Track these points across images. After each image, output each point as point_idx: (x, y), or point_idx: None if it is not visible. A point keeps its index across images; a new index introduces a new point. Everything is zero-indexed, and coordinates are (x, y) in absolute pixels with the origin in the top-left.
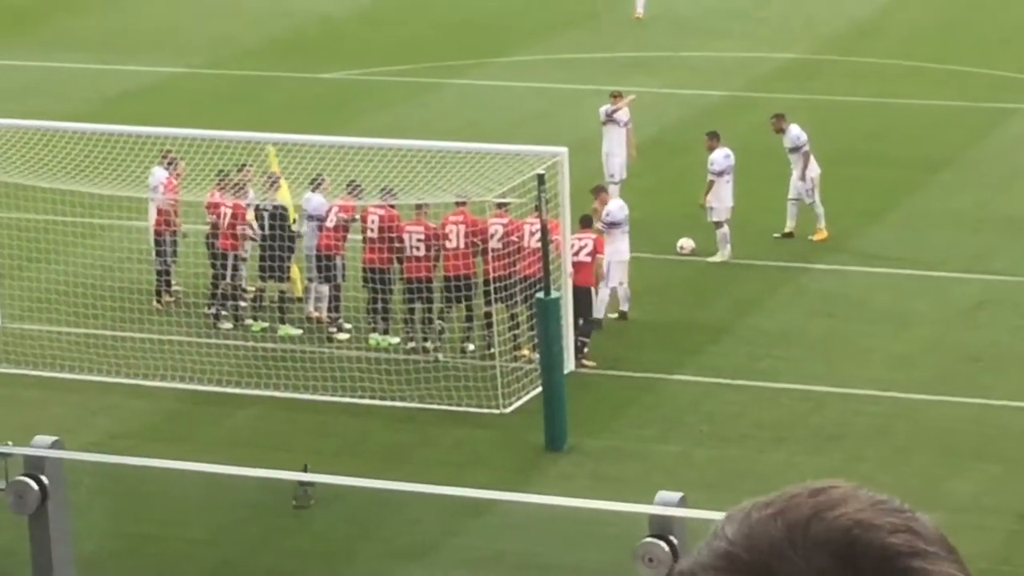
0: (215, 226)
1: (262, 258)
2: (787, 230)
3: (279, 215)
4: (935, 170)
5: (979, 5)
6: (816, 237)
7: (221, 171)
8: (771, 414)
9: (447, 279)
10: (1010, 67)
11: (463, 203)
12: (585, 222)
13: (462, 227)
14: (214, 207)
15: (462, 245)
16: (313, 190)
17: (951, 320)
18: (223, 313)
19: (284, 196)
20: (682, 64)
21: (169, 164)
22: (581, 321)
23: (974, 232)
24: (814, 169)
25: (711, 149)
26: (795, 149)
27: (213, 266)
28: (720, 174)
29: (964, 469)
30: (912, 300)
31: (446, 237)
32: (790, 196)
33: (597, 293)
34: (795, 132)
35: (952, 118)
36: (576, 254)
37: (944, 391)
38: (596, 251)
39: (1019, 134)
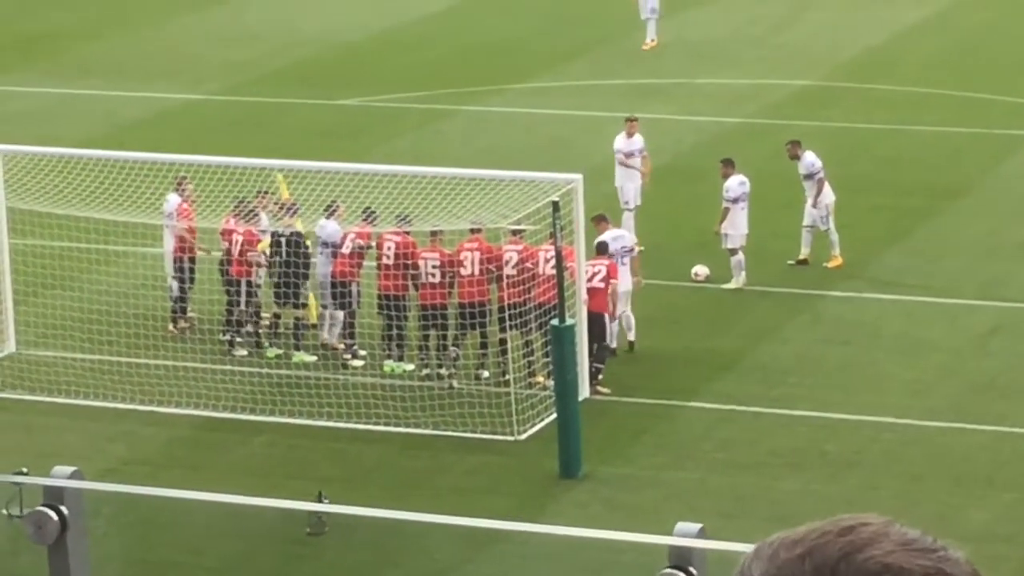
0: (228, 252)
1: (278, 284)
2: (802, 257)
3: (295, 242)
4: (950, 197)
5: (995, 32)
6: (831, 264)
7: (237, 197)
8: (786, 441)
9: (461, 306)
10: None
11: (478, 230)
12: (600, 248)
13: (477, 254)
14: (227, 233)
15: (477, 272)
16: (327, 217)
17: (965, 347)
18: (238, 340)
19: (296, 223)
20: (697, 91)
21: (180, 189)
22: (595, 347)
23: (988, 259)
24: (829, 196)
25: (726, 176)
26: (809, 176)
27: (228, 292)
28: (735, 201)
29: (978, 497)
30: (926, 327)
31: (461, 264)
32: (805, 223)
33: (612, 320)
34: (810, 159)
35: (967, 145)
36: (590, 280)
37: (958, 418)
38: (610, 277)
39: None
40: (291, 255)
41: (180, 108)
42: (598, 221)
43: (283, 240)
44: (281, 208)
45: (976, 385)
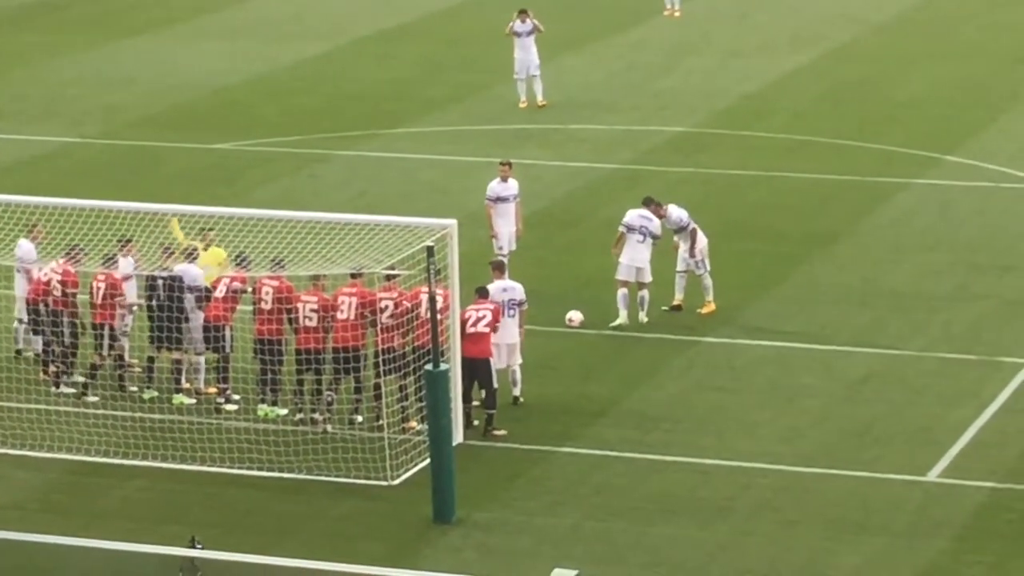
0: (64, 294)
1: (154, 328)
2: (675, 303)
3: (173, 285)
4: (823, 244)
5: (868, 81)
6: (704, 310)
7: (74, 244)
8: (660, 487)
9: (336, 351)
10: (897, 142)
11: (358, 275)
12: (482, 293)
13: (354, 299)
14: (68, 275)
15: (352, 317)
16: (189, 261)
17: (838, 393)
18: (90, 382)
19: (217, 256)
20: (572, 136)
21: (32, 235)
22: (484, 393)
23: (861, 306)
24: (702, 240)
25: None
26: (680, 229)
27: (62, 335)
28: (628, 229)
29: (850, 542)
30: (799, 373)
31: (337, 308)
32: (679, 269)
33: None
34: (676, 214)
35: (840, 192)
36: (474, 325)
37: (831, 464)
38: (495, 321)
39: (906, 208)
40: (169, 298)
41: (56, 151)
42: (495, 268)
43: (160, 282)
44: (171, 254)
45: (849, 431)
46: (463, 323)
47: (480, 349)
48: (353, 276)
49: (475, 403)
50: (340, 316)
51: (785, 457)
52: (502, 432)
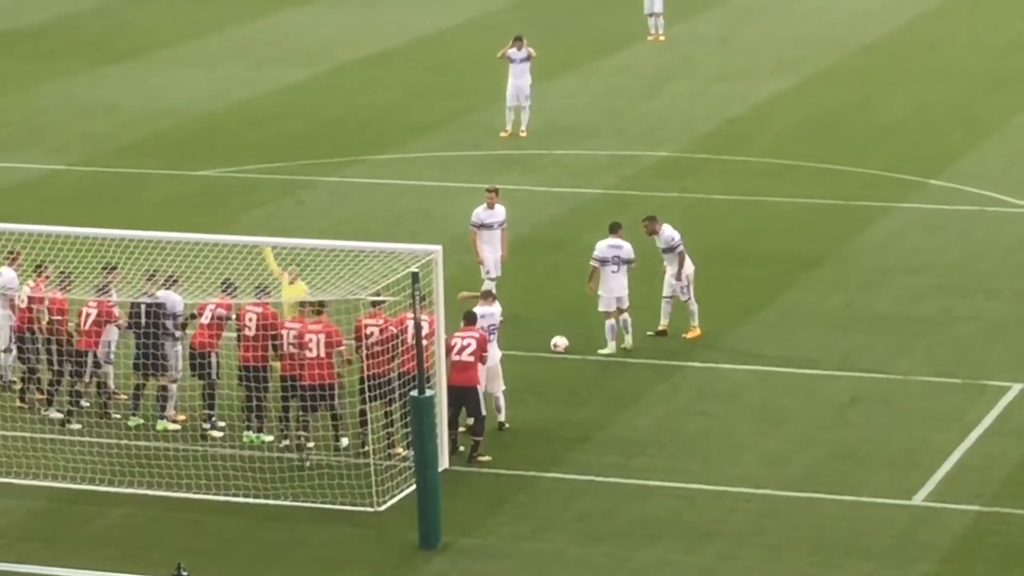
0: (51, 322)
1: (139, 355)
2: (660, 328)
3: (155, 312)
4: (807, 268)
5: (852, 105)
6: (689, 335)
7: (40, 264)
8: (645, 511)
9: (306, 388)
10: (881, 166)
11: (320, 310)
12: (469, 319)
13: (321, 336)
14: (56, 302)
15: (322, 354)
16: (168, 288)
17: (823, 417)
18: (74, 409)
19: (299, 292)
20: (556, 162)
21: (12, 262)
22: (472, 420)
23: (845, 330)
24: (689, 267)
25: (613, 233)
26: (669, 249)
27: (49, 363)
28: (601, 262)
29: (836, 566)
30: (784, 397)
31: (306, 346)
32: (664, 294)
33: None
34: (668, 233)
35: (824, 216)
36: (459, 353)
37: (816, 488)
38: (481, 350)
39: (890, 232)
40: (151, 325)
41: (38, 179)
42: (482, 296)
43: (143, 308)
44: (152, 278)
45: (834, 455)
46: (448, 349)
47: (467, 377)
48: (317, 312)
49: (461, 429)
50: (309, 354)
51: (770, 481)
52: (487, 458)
